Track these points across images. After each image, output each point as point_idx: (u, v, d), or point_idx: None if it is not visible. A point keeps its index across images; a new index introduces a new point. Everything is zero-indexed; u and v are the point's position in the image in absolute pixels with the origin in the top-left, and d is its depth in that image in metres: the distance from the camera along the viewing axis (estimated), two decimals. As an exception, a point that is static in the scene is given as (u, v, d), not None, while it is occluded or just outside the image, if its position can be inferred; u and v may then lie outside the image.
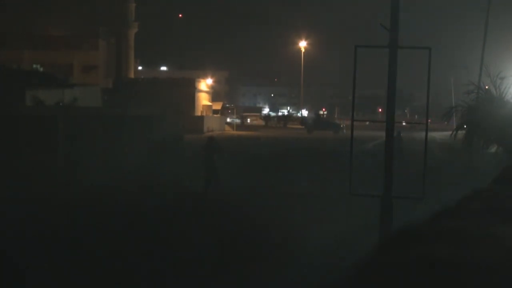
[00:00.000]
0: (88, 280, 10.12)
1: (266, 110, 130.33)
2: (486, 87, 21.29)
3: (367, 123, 60.84)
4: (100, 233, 13.17)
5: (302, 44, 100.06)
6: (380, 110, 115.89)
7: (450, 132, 22.64)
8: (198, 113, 66.85)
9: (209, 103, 73.13)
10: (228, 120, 75.02)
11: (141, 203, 17.13)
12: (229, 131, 68.01)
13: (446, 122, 41.65)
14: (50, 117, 22.56)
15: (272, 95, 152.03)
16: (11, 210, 15.56)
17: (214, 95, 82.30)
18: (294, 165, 27.55)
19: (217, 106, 78.24)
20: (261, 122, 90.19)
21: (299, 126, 79.34)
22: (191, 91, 66.74)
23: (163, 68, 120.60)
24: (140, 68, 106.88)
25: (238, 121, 76.72)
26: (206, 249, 11.93)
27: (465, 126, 21.87)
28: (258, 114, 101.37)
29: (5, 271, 10.54)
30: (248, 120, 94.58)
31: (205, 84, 73.81)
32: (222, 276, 10.47)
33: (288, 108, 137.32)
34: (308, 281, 10.20)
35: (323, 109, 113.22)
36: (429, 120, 13.66)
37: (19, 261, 10.91)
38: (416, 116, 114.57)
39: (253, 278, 10.38)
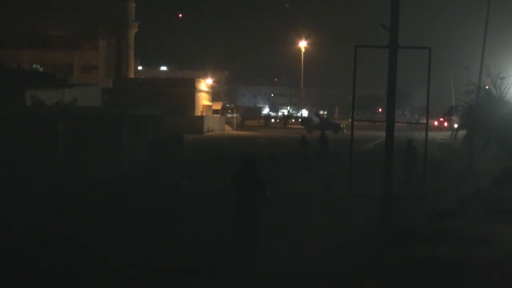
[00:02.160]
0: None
1: (266, 110, 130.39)
2: (486, 87, 21.27)
3: (368, 122, 60.82)
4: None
5: (302, 44, 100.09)
6: (380, 110, 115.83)
7: (451, 132, 22.62)
8: (198, 113, 66.86)
9: (209, 103, 73.15)
10: (228, 115, 75.31)
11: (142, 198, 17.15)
12: (229, 131, 68.01)
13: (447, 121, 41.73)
14: (50, 117, 22.54)
15: (272, 95, 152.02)
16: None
17: (214, 95, 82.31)
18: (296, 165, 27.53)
19: (217, 106, 78.25)
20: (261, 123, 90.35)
21: (299, 126, 79.36)
22: (191, 91, 66.75)
23: (163, 68, 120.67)
24: (140, 68, 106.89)
25: (236, 115, 76.93)
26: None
27: (459, 125, 21.91)
28: (258, 117, 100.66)
29: None
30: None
31: (205, 84, 73.83)
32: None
33: (288, 108, 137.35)
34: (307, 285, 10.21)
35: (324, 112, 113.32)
36: (440, 119, 13.67)
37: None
38: (416, 116, 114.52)
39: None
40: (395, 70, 12.93)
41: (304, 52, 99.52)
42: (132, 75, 77.59)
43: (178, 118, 52.75)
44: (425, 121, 14.69)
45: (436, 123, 74.52)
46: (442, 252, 9.04)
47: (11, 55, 74.81)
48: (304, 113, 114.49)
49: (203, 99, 70.89)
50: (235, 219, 10.18)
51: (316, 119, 72.98)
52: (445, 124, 74.69)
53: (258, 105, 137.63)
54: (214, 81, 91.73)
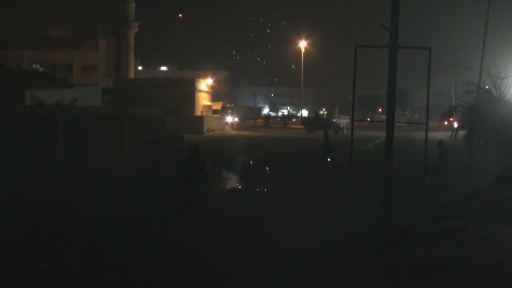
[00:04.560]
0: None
1: (266, 110, 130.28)
2: (486, 87, 21.28)
3: (368, 119, 60.66)
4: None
5: (302, 44, 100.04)
6: (380, 110, 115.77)
7: (450, 132, 22.63)
8: (198, 113, 66.82)
9: (209, 103, 73.10)
10: (228, 119, 75.13)
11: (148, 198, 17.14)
12: (229, 131, 67.99)
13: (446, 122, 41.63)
14: (50, 117, 22.55)
15: (272, 95, 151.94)
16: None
17: (214, 95, 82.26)
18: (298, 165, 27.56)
19: (217, 106, 78.19)
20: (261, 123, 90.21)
21: (299, 126, 79.30)
22: (191, 91, 66.71)
23: (163, 68, 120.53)
24: (140, 68, 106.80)
25: (236, 119, 76.62)
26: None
27: (464, 125, 21.91)
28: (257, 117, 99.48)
29: None
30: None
31: (205, 84, 73.78)
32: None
33: (288, 108, 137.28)
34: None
35: (323, 109, 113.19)
36: (450, 119, 13.64)
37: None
38: (416, 116, 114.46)
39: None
40: (395, 70, 12.91)
41: (304, 52, 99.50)
42: (132, 75, 77.53)
43: (178, 118, 52.70)
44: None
45: (446, 123, 72.55)
46: (442, 252, 9.02)
47: (11, 55, 74.78)
48: (304, 113, 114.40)
49: (203, 99, 70.86)
50: (182, 189, 12.98)
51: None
52: (445, 123, 73.54)
53: (258, 105, 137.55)
54: (214, 81, 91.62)
